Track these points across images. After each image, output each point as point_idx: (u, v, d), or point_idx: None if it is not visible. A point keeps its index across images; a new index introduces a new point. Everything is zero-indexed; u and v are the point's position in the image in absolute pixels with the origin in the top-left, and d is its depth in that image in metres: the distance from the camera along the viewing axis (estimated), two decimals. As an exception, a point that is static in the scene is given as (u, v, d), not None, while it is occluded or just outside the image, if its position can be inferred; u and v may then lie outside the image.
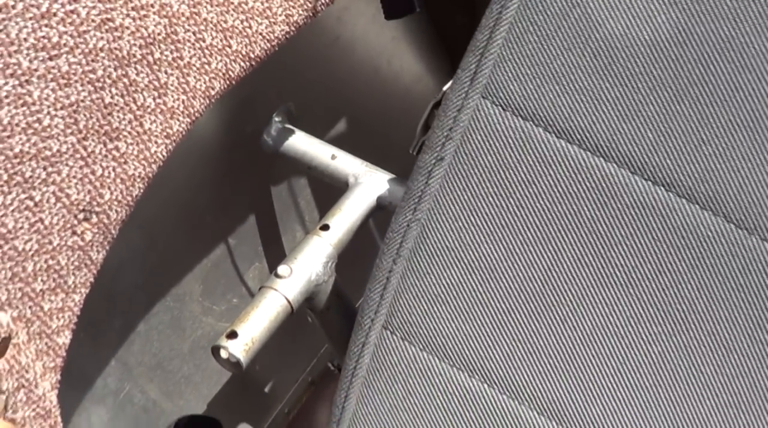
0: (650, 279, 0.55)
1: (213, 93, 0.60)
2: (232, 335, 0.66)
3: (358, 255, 0.72)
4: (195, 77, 0.58)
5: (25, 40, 0.48)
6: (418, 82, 1.00)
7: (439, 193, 0.57)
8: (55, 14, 0.49)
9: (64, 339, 0.59)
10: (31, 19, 0.48)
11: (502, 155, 0.56)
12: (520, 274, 0.57)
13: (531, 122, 0.55)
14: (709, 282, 0.55)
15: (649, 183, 0.54)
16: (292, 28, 0.64)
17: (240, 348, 0.66)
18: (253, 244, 0.86)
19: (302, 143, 0.78)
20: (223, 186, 0.80)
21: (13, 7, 0.47)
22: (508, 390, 0.57)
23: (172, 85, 0.57)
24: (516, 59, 0.55)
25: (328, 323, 0.75)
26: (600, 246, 0.56)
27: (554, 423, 0.57)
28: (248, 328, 0.66)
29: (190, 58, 0.57)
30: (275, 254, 0.88)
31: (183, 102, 0.58)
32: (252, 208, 0.85)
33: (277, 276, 0.69)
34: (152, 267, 0.76)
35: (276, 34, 0.63)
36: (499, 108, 0.56)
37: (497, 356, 0.57)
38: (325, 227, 0.72)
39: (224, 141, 0.78)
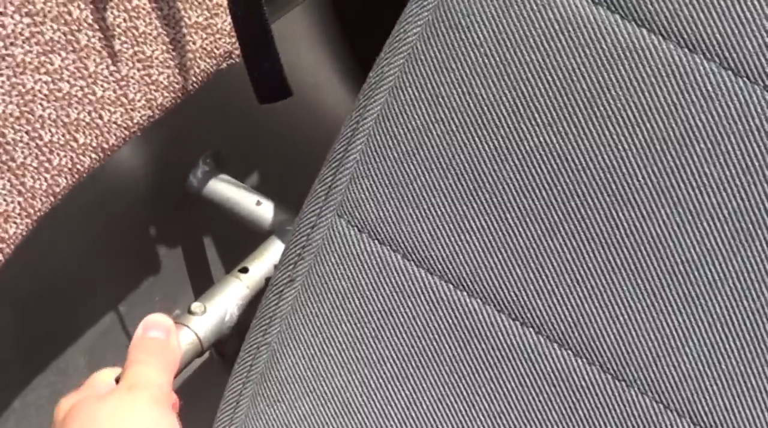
0: (517, 426, 0.51)
1: (59, 190, 0.57)
2: None
3: None
4: (33, 177, 0.55)
5: None
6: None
7: (291, 317, 0.54)
8: None
9: None
10: None
11: (358, 281, 0.53)
12: (376, 411, 0.53)
13: (389, 247, 0.52)
14: None
15: (517, 323, 0.51)
16: (156, 111, 0.60)
17: None
18: (148, 309, 0.83)
19: (227, 189, 0.79)
20: (116, 244, 0.78)
21: None
22: None
23: (3, 189, 0.54)
24: (373, 176, 0.52)
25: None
26: (463, 387, 0.52)
27: None
28: None
29: (25, 158, 0.54)
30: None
31: (19, 204, 0.55)
32: (150, 270, 0.82)
33: (191, 312, 0.67)
34: (27, 342, 0.74)
35: (136, 121, 0.59)
36: (355, 229, 0.52)
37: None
38: (245, 270, 0.71)
39: (148, 183, 0.76)
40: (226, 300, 0.70)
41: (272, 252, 0.74)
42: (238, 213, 0.79)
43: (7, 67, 0.52)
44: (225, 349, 0.72)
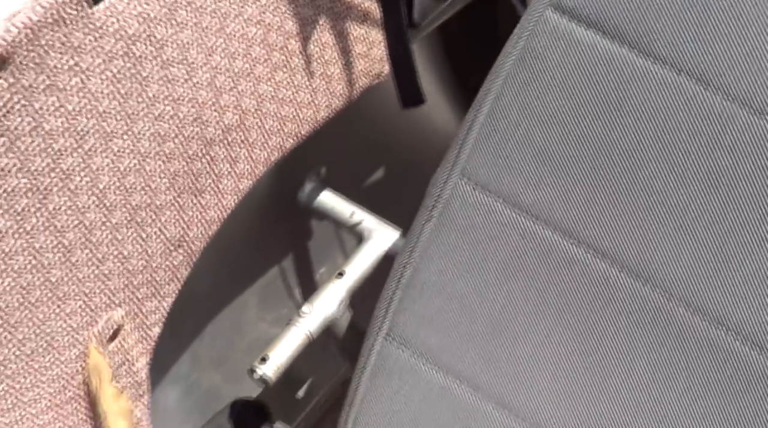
0: (577, 319, 0.83)
1: (272, 161, 0.90)
2: (264, 359, 0.97)
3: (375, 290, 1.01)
4: (258, 151, 0.88)
5: (146, 131, 0.78)
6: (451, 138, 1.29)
7: (428, 243, 0.87)
8: (163, 114, 0.79)
9: (156, 331, 0.89)
10: (153, 118, 0.78)
11: (473, 220, 0.85)
12: (484, 305, 0.86)
13: (493, 198, 0.85)
14: (634, 338, 0.82)
15: (583, 247, 0.83)
16: (332, 112, 0.94)
17: (270, 369, 0.98)
18: (304, 268, 1.16)
19: (328, 201, 1.09)
20: (282, 223, 1.11)
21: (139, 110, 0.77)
22: (485, 393, 0.86)
23: (241, 157, 0.87)
24: (485, 151, 0.85)
25: (345, 347, 1.05)
26: (542, 297, 0.84)
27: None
28: (276, 354, 0.98)
29: (255, 138, 0.88)
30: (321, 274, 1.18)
31: (249, 168, 0.88)
32: (309, 236, 1.15)
33: (300, 314, 0.99)
34: (220, 281, 1.07)
35: (319, 118, 0.93)
36: (471, 186, 0.85)
37: (467, 362, 0.86)
38: (341, 274, 1.02)
39: (275, 192, 1.08)
40: (328, 301, 1.02)
41: (361, 258, 1.04)
42: (338, 222, 1.08)
43: (249, 80, 0.85)
44: (334, 334, 1.05)
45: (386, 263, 1.04)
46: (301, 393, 1.23)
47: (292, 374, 1.19)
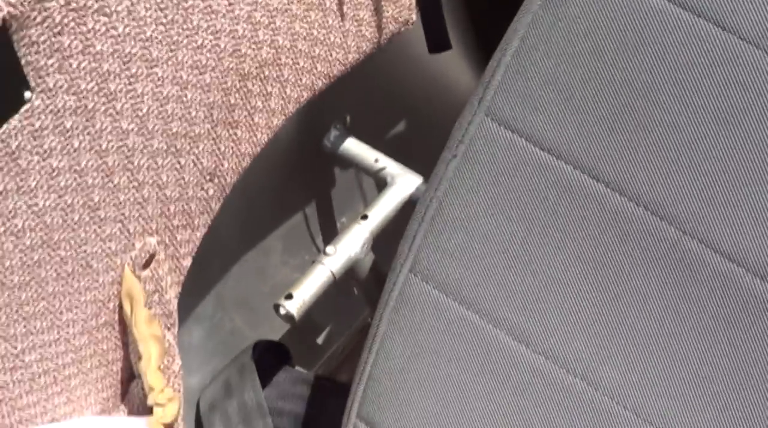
0: (608, 269, 0.88)
1: (302, 100, 0.94)
2: (289, 296, 1.01)
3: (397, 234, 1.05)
4: (290, 89, 0.93)
5: (187, 60, 0.82)
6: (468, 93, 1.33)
7: (453, 179, 0.91)
8: (204, 45, 0.83)
9: (187, 263, 0.93)
10: (194, 48, 0.82)
11: (496, 158, 0.90)
12: (505, 240, 0.90)
13: (517, 134, 0.89)
14: (648, 272, 0.87)
15: (602, 183, 0.87)
16: (361, 56, 0.98)
17: (294, 306, 1.02)
18: (326, 215, 1.21)
19: (353, 148, 1.14)
20: (306, 170, 1.15)
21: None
22: (504, 326, 0.90)
23: (274, 93, 0.91)
24: (510, 91, 0.89)
25: (366, 289, 1.09)
26: (562, 232, 0.88)
27: (533, 351, 0.89)
28: (301, 292, 1.03)
29: (288, 75, 0.92)
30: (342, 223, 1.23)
31: (281, 105, 0.92)
32: (332, 185, 1.19)
33: (325, 254, 1.04)
34: (246, 224, 1.11)
35: (349, 60, 0.97)
36: (496, 124, 0.89)
37: (487, 295, 0.90)
38: (365, 217, 1.06)
39: (300, 139, 1.12)
40: (352, 242, 1.07)
41: (385, 201, 1.08)
42: (362, 168, 1.13)
43: (284, 18, 0.90)
44: (356, 275, 1.09)
45: (408, 208, 1.08)
46: (320, 339, 1.27)
47: (312, 320, 1.24)
